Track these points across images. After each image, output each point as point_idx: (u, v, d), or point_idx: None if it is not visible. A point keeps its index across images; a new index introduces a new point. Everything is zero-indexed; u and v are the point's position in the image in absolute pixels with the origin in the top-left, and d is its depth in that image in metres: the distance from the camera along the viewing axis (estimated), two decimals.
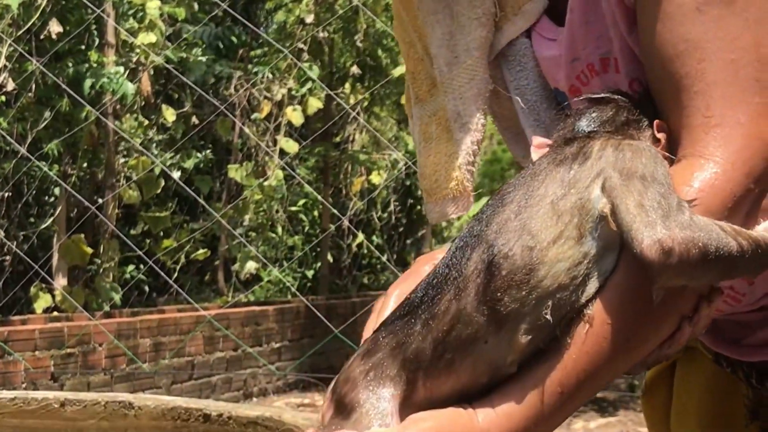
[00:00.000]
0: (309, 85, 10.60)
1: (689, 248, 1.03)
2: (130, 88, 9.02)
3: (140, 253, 7.33)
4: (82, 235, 9.08)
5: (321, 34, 10.47)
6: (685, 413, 1.60)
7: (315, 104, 10.48)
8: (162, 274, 7.22)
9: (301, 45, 10.32)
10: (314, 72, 10.14)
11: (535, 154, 1.21)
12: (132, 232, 11.66)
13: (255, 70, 11.34)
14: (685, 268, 1.04)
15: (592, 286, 1.09)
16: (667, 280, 1.05)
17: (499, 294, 1.08)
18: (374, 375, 1.12)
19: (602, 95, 1.23)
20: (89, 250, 9.03)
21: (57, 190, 10.73)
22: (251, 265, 10.43)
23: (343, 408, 1.13)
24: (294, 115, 10.47)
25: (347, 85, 10.99)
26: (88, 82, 9.07)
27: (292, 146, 10.55)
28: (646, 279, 1.06)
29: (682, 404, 1.60)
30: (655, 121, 1.19)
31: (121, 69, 9.21)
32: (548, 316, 1.08)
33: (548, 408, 1.10)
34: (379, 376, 1.12)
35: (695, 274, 1.06)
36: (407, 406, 1.12)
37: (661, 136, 1.18)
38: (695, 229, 1.04)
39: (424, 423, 1.09)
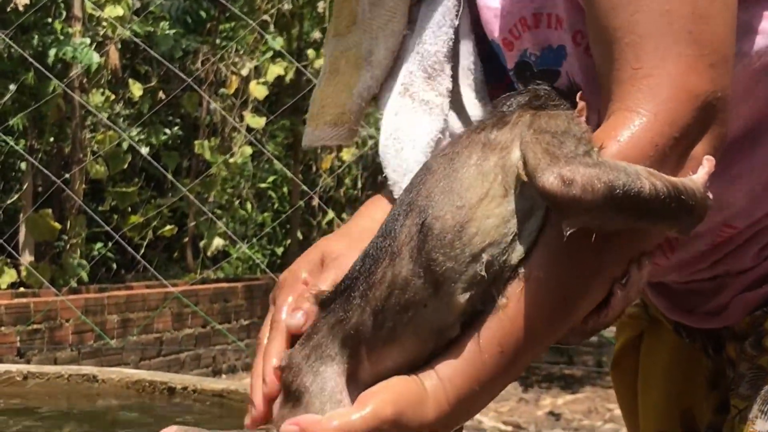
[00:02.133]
0: (269, 54, 10.52)
1: (593, 182, 1.03)
2: (95, 57, 8.94)
3: (107, 228, 7.29)
4: (50, 210, 9.02)
5: (286, 6, 10.41)
6: (651, 385, 1.61)
7: (275, 71, 10.41)
8: (129, 249, 7.18)
9: (267, 18, 10.26)
10: (278, 43, 10.08)
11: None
12: (100, 208, 11.58)
13: (223, 44, 11.28)
14: (591, 203, 1.03)
15: (524, 244, 1.10)
16: (576, 215, 1.05)
17: (433, 254, 1.08)
18: (315, 357, 1.12)
19: (521, 90, 1.23)
20: (57, 226, 8.98)
21: (24, 165, 10.64)
22: (219, 242, 10.41)
23: (291, 396, 1.12)
24: (257, 89, 10.41)
25: (310, 52, 10.91)
26: (52, 52, 8.98)
27: (258, 122, 10.51)
28: (579, 239, 1.06)
29: (647, 375, 1.62)
30: (578, 93, 1.18)
31: (86, 40, 9.13)
32: (483, 272, 1.08)
33: (490, 368, 1.10)
34: (320, 356, 1.12)
35: (604, 213, 1.04)
36: (355, 382, 1.12)
37: (581, 105, 1.17)
38: (602, 167, 1.04)
39: (379, 396, 1.08)
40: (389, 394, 1.08)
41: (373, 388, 1.10)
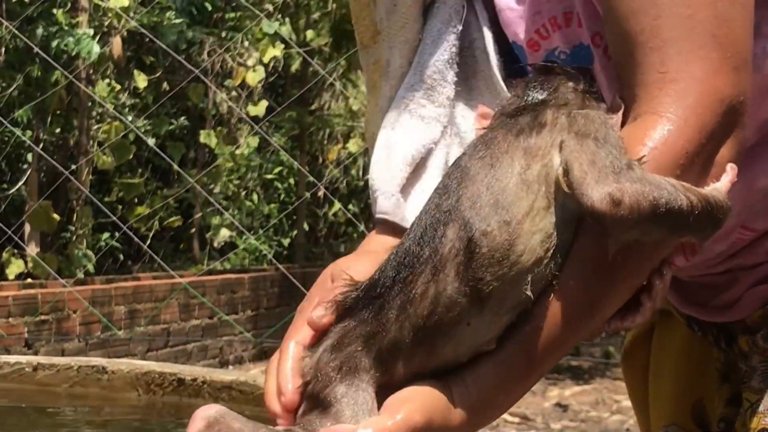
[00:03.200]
0: (265, 39, 10.50)
1: (639, 200, 1.03)
2: (95, 48, 8.93)
3: (114, 218, 7.30)
4: (50, 202, 9.03)
5: None
6: (662, 376, 1.60)
7: (272, 52, 10.38)
8: (136, 239, 7.19)
9: (269, 6, 10.24)
10: (274, 26, 10.05)
11: (477, 123, 1.20)
12: (106, 199, 11.60)
13: (229, 36, 11.28)
14: (636, 221, 1.04)
15: (560, 256, 1.09)
16: (621, 233, 1.05)
17: (480, 273, 1.06)
18: (348, 369, 1.10)
19: (548, 64, 1.22)
20: (57, 218, 8.99)
21: (30, 156, 10.65)
22: (225, 233, 10.41)
23: (318, 404, 1.10)
24: (250, 76, 10.39)
25: (309, 33, 10.86)
26: (54, 43, 8.99)
27: (259, 109, 10.49)
28: (603, 245, 1.06)
29: (658, 368, 1.61)
30: (615, 98, 1.17)
31: (90, 30, 9.13)
32: (528, 292, 1.07)
33: (516, 376, 1.11)
34: (353, 369, 1.10)
35: (647, 228, 1.05)
36: (385, 390, 1.11)
37: (619, 103, 1.16)
38: (645, 184, 1.04)
39: (409, 405, 1.07)
40: (418, 402, 1.08)
41: (401, 394, 1.09)
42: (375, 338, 1.10)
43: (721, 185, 1.10)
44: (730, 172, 1.11)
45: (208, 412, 1.07)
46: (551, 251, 1.08)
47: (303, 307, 1.26)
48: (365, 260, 1.25)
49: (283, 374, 1.17)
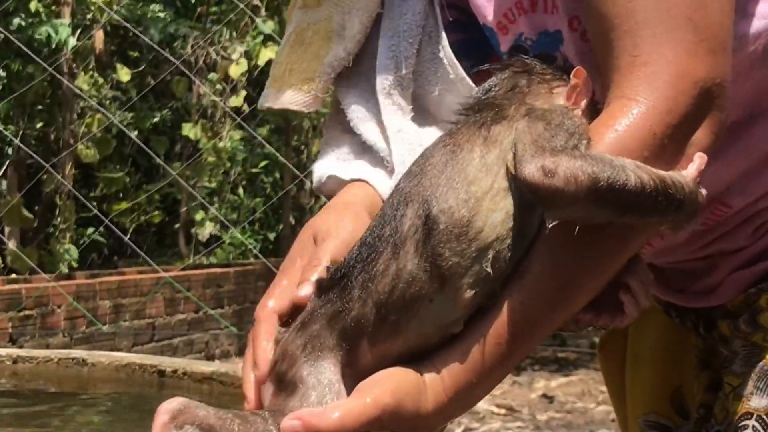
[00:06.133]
0: (258, 40, 10.50)
1: (576, 174, 1.02)
2: (71, 40, 8.90)
3: (96, 211, 7.29)
4: (22, 199, 9.00)
5: None
6: (639, 364, 1.60)
7: (267, 54, 10.39)
8: (119, 233, 7.17)
9: (258, 2, 10.23)
10: (268, 27, 10.05)
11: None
12: (90, 194, 11.57)
13: (213, 29, 11.26)
14: (574, 195, 1.03)
15: (526, 238, 1.09)
16: (560, 208, 1.05)
17: (439, 248, 1.07)
18: (312, 347, 1.11)
19: (507, 62, 1.23)
20: (29, 216, 8.96)
21: (11, 150, 10.61)
22: (210, 227, 10.40)
23: (285, 385, 1.11)
24: (233, 69, 10.38)
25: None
26: (29, 32, 8.95)
27: (239, 100, 10.49)
28: (570, 228, 1.06)
29: (636, 355, 1.61)
30: (574, 70, 1.17)
31: (66, 20, 9.09)
32: (488, 269, 1.07)
33: (489, 361, 1.10)
34: (317, 347, 1.11)
35: (588, 205, 1.04)
36: (353, 373, 1.11)
37: (574, 81, 1.16)
38: (587, 159, 1.04)
39: (379, 386, 1.08)
40: (389, 384, 1.08)
41: (373, 377, 1.09)
42: (339, 317, 1.11)
43: (686, 172, 1.09)
44: (697, 161, 1.10)
45: (170, 405, 1.07)
46: (513, 231, 1.08)
47: (285, 268, 1.28)
48: (344, 216, 1.27)
49: (258, 346, 1.17)
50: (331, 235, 1.26)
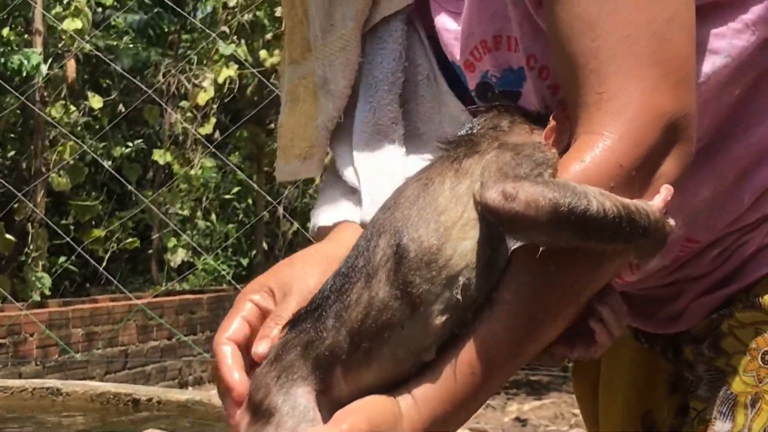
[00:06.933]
0: (221, 61, 10.50)
1: (537, 198, 1.04)
2: (42, 67, 8.88)
3: (68, 239, 7.25)
4: (2, 223, 8.94)
5: (246, 17, 10.40)
6: (612, 387, 1.62)
7: (226, 73, 10.38)
8: (91, 261, 7.13)
9: (226, 29, 10.24)
10: (230, 48, 10.05)
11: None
12: (63, 221, 11.50)
13: (184, 56, 11.25)
14: (534, 219, 1.04)
15: (497, 267, 1.11)
16: (520, 232, 1.06)
17: (410, 276, 1.09)
18: (285, 377, 1.12)
19: (486, 105, 1.25)
20: (12, 239, 8.89)
21: None
22: (183, 254, 10.36)
23: (261, 415, 1.12)
24: (201, 96, 10.38)
25: (263, 52, 10.84)
26: (0, 61, 8.93)
27: (207, 128, 10.48)
28: (540, 256, 1.07)
29: (608, 379, 1.63)
30: (552, 114, 1.20)
31: (38, 49, 9.07)
32: (458, 296, 1.09)
33: (462, 390, 1.11)
34: (290, 377, 1.12)
35: (550, 229, 1.05)
36: (329, 402, 1.12)
37: (553, 124, 1.18)
38: (549, 185, 1.05)
39: (355, 416, 1.09)
40: (365, 412, 1.09)
41: (348, 407, 1.10)
42: (313, 346, 1.12)
43: (653, 202, 1.11)
44: (663, 192, 1.12)
45: None
46: (484, 259, 1.10)
47: (237, 301, 1.28)
48: (309, 268, 1.28)
49: (226, 374, 1.18)
50: (293, 290, 1.27)
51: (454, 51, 1.36)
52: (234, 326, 1.24)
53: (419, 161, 1.37)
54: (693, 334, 1.43)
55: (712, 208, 1.34)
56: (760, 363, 1.34)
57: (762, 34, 1.26)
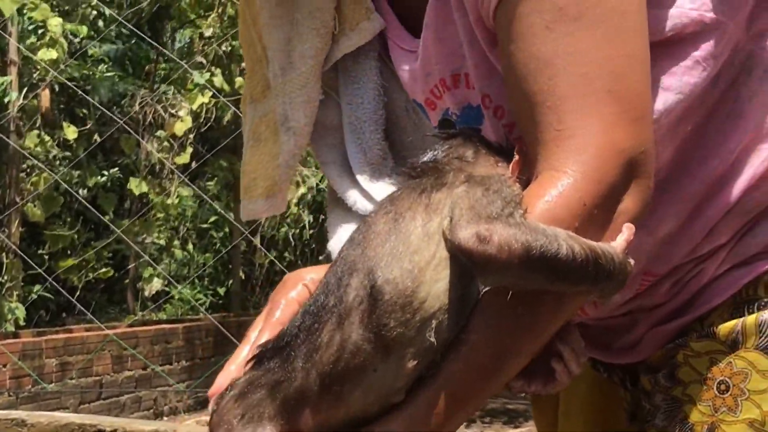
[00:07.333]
0: (196, 90, 10.53)
1: (510, 242, 1.04)
2: (14, 95, 8.89)
3: (40, 270, 7.21)
4: None
5: (222, 48, 10.43)
6: (571, 417, 1.62)
7: (201, 100, 10.39)
8: (64, 292, 7.10)
9: (202, 60, 10.27)
10: (204, 77, 10.08)
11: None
12: (39, 251, 11.45)
13: (162, 88, 11.27)
14: (507, 262, 1.05)
15: (468, 307, 1.11)
16: (492, 275, 1.07)
17: (384, 319, 1.07)
18: (251, 417, 1.11)
19: (453, 131, 1.26)
20: None
21: None
22: (158, 283, 10.33)
23: None
24: (178, 126, 10.40)
25: (239, 80, 10.85)
26: None
27: (184, 158, 10.49)
28: (505, 296, 1.08)
29: (567, 408, 1.63)
30: (516, 147, 1.20)
31: (9, 78, 9.08)
32: (432, 338, 1.08)
33: (427, 429, 1.11)
34: (257, 417, 1.11)
35: (521, 272, 1.06)
36: None
37: (518, 158, 1.19)
38: (522, 228, 1.06)
39: None
40: None
41: None
42: (280, 387, 1.10)
43: (616, 243, 1.12)
44: (626, 232, 1.13)
45: None
46: (455, 299, 1.09)
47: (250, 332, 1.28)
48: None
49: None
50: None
51: (415, 90, 1.38)
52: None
53: None
54: (650, 363, 1.44)
55: (670, 242, 1.35)
56: (716, 392, 1.34)
57: (712, 69, 1.28)
